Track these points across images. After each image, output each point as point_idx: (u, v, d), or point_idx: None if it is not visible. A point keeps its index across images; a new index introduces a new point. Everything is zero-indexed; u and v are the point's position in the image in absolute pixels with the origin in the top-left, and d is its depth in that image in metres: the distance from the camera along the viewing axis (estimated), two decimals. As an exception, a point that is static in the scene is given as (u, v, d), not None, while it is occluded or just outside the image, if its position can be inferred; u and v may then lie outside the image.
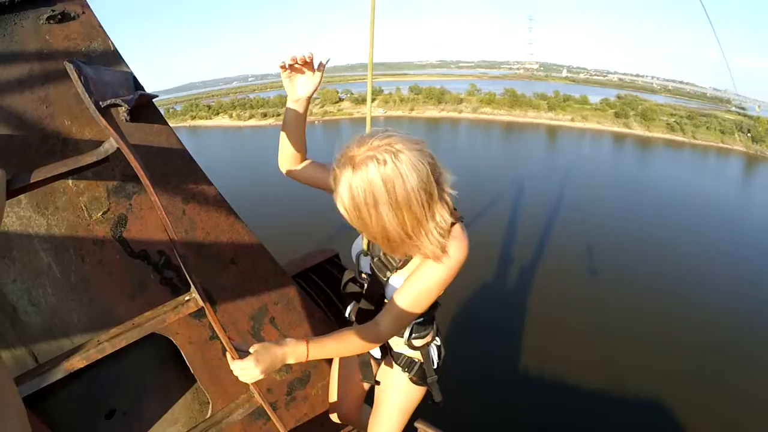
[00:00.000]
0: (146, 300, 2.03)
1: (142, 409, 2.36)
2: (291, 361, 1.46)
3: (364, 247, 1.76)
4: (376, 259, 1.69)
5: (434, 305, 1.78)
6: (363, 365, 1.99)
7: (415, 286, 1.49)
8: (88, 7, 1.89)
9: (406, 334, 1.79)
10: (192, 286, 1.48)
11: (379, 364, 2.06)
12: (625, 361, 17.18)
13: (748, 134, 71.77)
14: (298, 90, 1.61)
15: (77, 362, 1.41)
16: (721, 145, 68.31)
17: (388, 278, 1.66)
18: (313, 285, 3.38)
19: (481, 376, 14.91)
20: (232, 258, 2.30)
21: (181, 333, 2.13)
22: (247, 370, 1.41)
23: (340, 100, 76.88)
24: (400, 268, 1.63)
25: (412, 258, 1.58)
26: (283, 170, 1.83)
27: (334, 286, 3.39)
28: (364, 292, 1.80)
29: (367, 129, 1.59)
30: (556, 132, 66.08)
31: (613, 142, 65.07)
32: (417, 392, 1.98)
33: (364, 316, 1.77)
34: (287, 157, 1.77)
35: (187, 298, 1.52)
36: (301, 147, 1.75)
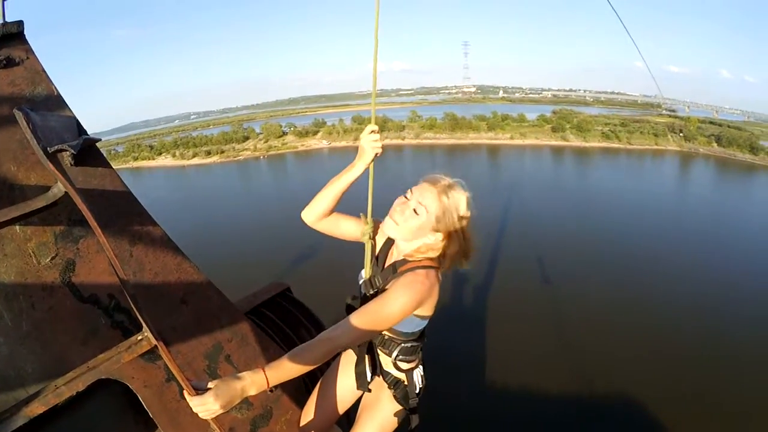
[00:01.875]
0: (98, 344, 1.98)
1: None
2: (252, 392, 1.51)
3: (366, 275, 2.09)
4: (366, 279, 2.04)
5: (421, 335, 2.05)
6: (359, 375, 2.16)
7: (375, 303, 1.75)
8: (32, 52, 1.90)
9: (394, 354, 2.01)
10: (144, 325, 1.50)
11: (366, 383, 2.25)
12: (586, 361, 18.19)
13: (681, 134, 77.76)
14: (370, 153, 1.93)
15: (36, 408, 1.38)
16: (655, 147, 73.13)
17: (372, 295, 1.96)
18: (267, 320, 3.33)
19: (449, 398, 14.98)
20: (182, 297, 2.28)
21: (136, 377, 2.08)
22: (206, 406, 1.43)
23: (284, 134, 76.68)
24: (382, 290, 1.91)
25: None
26: (310, 220, 2.11)
27: (287, 320, 3.39)
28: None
29: (372, 120, 1.98)
30: (498, 150, 68.37)
31: (553, 155, 68.12)
32: (398, 414, 2.15)
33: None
34: (322, 211, 2.07)
35: (140, 337, 1.53)
36: (336, 204, 2.09)
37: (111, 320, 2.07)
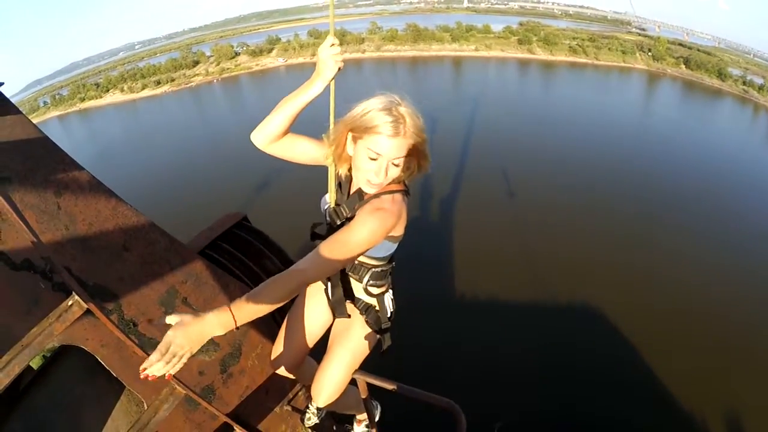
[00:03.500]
0: (43, 313, 1.82)
1: (82, 425, 2.20)
2: (219, 332, 1.37)
3: (331, 201, 1.95)
4: (331, 208, 1.90)
5: (391, 259, 2.05)
6: (337, 302, 2.12)
7: (343, 233, 1.69)
8: None
9: (365, 280, 2.01)
10: (72, 288, 1.34)
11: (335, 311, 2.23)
12: (551, 275, 19.13)
13: (649, 53, 76.90)
14: (332, 67, 1.72)
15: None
16: (623, 64, 72.40)
17: (339, 225, 1.85)
18: (226, 254, 3.15)
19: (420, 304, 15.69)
20: (123, 244, 2.08)
21: (90, 338, 1.95)
22: (165, 365, 1.26)
23: (236, 54, 72.00)
24: (350, 219, 1.82)
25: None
26: (261, 143, 1.89)
27: (249, 251, 3.23)
28: (324, 235, 1.94)
29: (331, 32, 1.75)
30: (462, 62, 66.50)
31: (518, 68, 66.86)
32: (369, 338, 2.12)
33: None
34: (275, 133, 1.85)
35: (70, 302, 1.38)
36: (290, 125, 1.87)
37: (51, 283, 1.88)
